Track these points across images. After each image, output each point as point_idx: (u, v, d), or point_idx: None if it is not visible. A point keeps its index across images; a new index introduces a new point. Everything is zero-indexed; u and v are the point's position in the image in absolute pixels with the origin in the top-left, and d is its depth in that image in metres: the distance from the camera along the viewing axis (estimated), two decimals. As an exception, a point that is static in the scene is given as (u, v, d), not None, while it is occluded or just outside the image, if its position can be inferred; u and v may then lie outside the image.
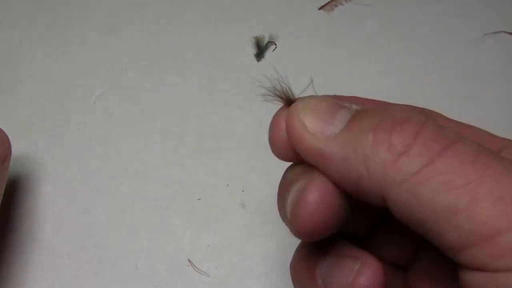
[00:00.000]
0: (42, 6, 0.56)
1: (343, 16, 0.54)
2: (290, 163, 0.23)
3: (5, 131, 0.39)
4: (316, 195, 0.20)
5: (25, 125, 0.46)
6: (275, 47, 0.52)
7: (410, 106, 0.22)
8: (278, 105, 0.23)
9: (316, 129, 0.20)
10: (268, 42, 0.51)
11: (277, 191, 0.23)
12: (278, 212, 0.23)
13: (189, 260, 0.38)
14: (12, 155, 0.39)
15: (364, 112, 0.20)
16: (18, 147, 0.44)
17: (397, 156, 0.18)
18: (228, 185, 0.42)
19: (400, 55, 0.50)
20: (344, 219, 0.21)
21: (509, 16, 0.53)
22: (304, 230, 0.20)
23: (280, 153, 0.23)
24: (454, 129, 0.23)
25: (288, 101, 0.23)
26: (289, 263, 0.25)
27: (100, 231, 0.40)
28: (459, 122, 0.24)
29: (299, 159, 0.22)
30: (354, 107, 0.21)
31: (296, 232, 0.21)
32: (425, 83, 0.48)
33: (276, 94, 0.23)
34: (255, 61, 0.51)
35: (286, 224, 0.23)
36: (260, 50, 0.51)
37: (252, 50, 0.51)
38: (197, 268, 0.38)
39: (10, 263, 0.38)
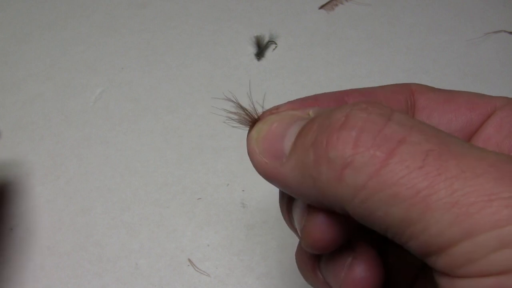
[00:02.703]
0: (42, 6, 0.56)
1: (343, 16, 0.54)
2: None
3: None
4: (323, 216, 0.19)
5: (25, 124, 0.46)
6: (276, 47, 0.52)
7: (365, 101, 0.19)
8: (244, 129, 0.23)
9: (269, 157, 0.20)
10: (269, 41, 0.51)
11: (277, 190, 0.23)
12: (278, 212, 0.23)
13: (189, 260, 0.38)
14: (12, 154, 0.39)
15: (307, 124, 0.19)
16: (18, 146, 0.44)
17: (340, 171, 0.17)
18: (228, 184, 0.42)
19: (400, 55, 0.50)
20: (351, 228, 0.20)
21: (509, 16, 0.53)
22: (317, 247, 0.20)
23: None
24: (441, 100, 0.23)
25: (253, 122, 0.22)
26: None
27: (100, 230, 0.40)
28: (448, 90, 0.24)
29: None
30: (311, 113, 0.20)
31: (309, 249, 0.21)
32: (425, 83, 0.48)
33: (240, 119, 0.22)
34: (255, 60, 0.51)
35: (292, 230, 0.23)
36: (261, 49, 0.51)
37: (252, 50, 0.51)
38: (197, 267, 0.38)
39: (10, 262, 0.38)
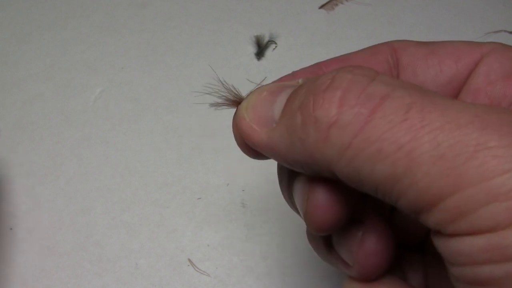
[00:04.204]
0: (42, 6, 0.56)
1: (343, 16, 0.54)
2: None
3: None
4: (323, 198, 0.19)
5: (25, 124, 0.46)
6: (276, 46, 0.52)
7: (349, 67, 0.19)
8: (232, 110, 0.23)
9: (259, 124, 0.20)
10: (269, 41, 0.51)
11: (277, 190, 0.23)
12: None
13: (189, 260, 0.38)
14: (12, 154, 0.39)
15: (296, 90, 0.19)
16: (17, 146, 0.44)
17: (326, 131, 0.16)
18: (228, 184, 0.42)
19: (400, 55, 0.50)
20: (353, 204, 0.20)
21: (509, 16, 0.53)
22: (322, 229, 0.20)
23: (247, 153, 0.23)
24: (424, 54, 0.22)
25: (239, 103, 0.22)
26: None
27: (100, 230, 0.40)
28: (431, 42, 0.23)
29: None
30: (300, 81, 0.20)
31: (315, 232, 0.20)
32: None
33: (226, 101, 0.23)
34: (255, 60, 0.51)
35: (297, 213, 0.22)
36: (261, 49, 0.51)
37: (252, 49, 0.51)
38: (197, 267, 0.38)
39: (10, 262, 0.38)
